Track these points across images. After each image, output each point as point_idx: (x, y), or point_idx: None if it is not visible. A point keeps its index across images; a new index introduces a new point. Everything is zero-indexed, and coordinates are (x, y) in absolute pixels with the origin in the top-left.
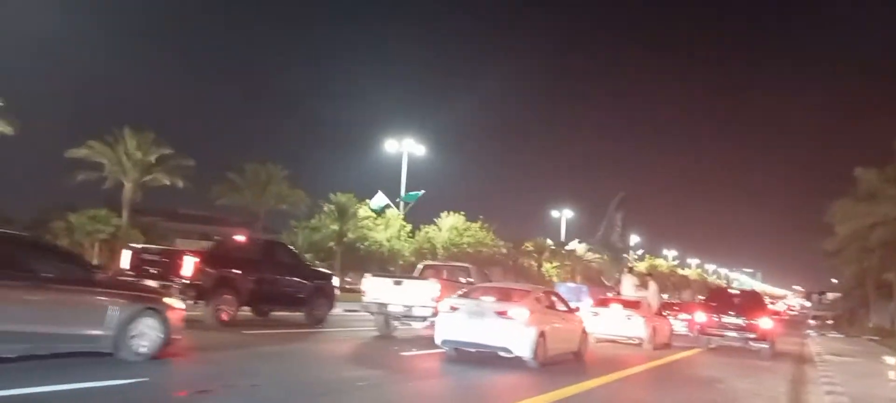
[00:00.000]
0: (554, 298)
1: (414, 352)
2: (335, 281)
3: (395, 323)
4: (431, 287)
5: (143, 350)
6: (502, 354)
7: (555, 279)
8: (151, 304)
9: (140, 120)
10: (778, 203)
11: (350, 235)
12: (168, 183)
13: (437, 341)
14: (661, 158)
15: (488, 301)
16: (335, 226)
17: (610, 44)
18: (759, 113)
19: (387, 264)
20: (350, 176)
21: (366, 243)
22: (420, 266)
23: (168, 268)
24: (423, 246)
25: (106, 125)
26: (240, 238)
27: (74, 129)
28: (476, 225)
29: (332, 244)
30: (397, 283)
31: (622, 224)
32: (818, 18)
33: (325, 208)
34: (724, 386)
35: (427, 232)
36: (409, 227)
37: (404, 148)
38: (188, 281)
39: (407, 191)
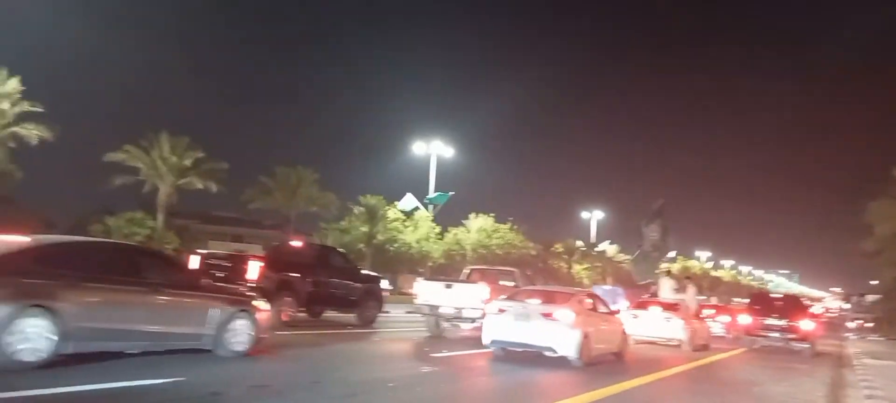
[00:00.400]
0: (595, 301)
1: (444, 353)
2: (384, 283)
3: (446, 325)
4: (480, 290)
5: (237, 347)
6: (548, 354)
7: (585, 281)
8: (244, 306)
9: (174, 125)
10: (815, 203)
11: (380, 237)
12: (202, 186)
13: (486, 341)
14: (695, 158)
15: (534, 303)
16: (365, 228)
17: (641, 44)
18: (797, 111)
19: (416, 266)
20: (379, 178)
21: (395, 245)
22: (467, 270)
23: (234, 272)
24: (452, 248)
25: (141, 130)
26: (297, 243)
27: (111, 134)
28: (505, 227)
29: (361, 246)
30: (448, 287)
31: (662, 230)
32: (860, 18)
33: (355, 210)
34: (759, 390)
35: (456, 234)
36: (438, 229)
37: (432, 149)
38: (253, 284)
39: (436, 192)
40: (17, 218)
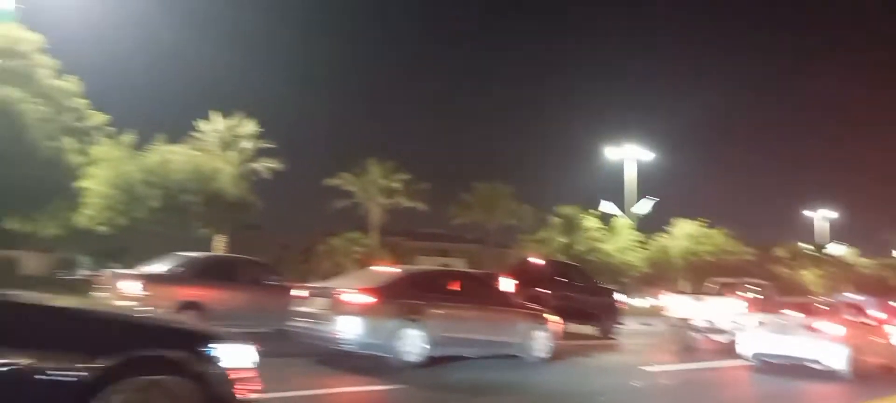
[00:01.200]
0: (859, 312)
1: (656, 368)
2: (620, 296)
3: (697, 337)
4: (736, 303)
5: (538, 354)
6: (814, 367)
7: (815, 288)
8: (540, 320)
9: (382, 149)
10: None
11: (578, 247)
12: (409, 205)
13: (746, 354)
14: None
15: (796, 316)
16: (563, 239)
17: (878, 22)
18: None
19: (618, 276)
20: (575, 187)
21: (594, 254)
22: (716, 283)
23: None
24: (656, 257)
25: (354, 157)
26: (539, 260)
27: (330, 162)
28: (716, 232)
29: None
30: (699, 300)
31: None
32: None
33: (552, 221)
34: None
35: (660, 242)
36: (640, 237)
37: (629, 154)
38: None
39: (637, 200)
40: (262, 242)
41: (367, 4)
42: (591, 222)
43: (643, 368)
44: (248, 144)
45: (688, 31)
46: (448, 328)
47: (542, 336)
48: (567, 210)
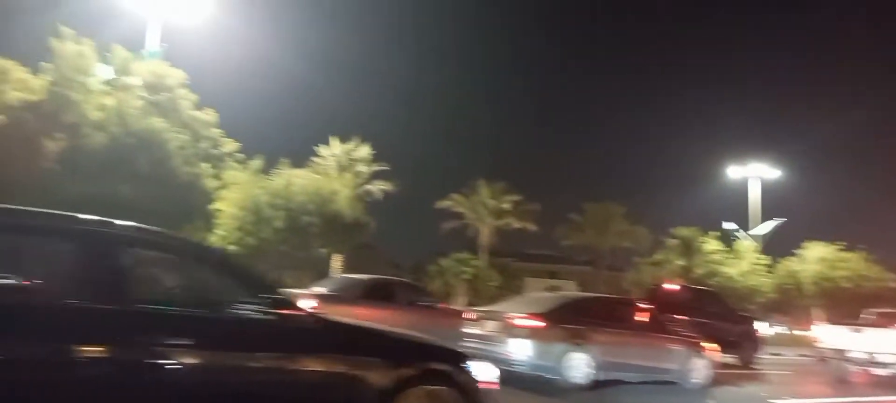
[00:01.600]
0: None
1: (815, 401)
2: (760, 325)
3: (853, 369)
4: None
5: (697, 381)
6: None
7: None
8: (697, 348)
9: (494, 169)
10: None
11: (698, 271)
12: (518, 226)
13: None
14: None
15: None
16: (681, 262)
17: None
18: None
19: (743, 302)
20: (694, 208)
21: (715, 278)
22: (872, 313)
23: None
24: (785, 282)
25: (464, 178)
26: (674, 286)
27: (441, 184)
28: (854, 256)
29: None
30: (856, 330)
31: None
32: None
33: (669, 243)
34: None
35: (789, 266)
36: (766, 260)
37: (754, 172)
38: None
39: (761, 219)
40: (373, 261)
41: (478, 28)
42: (711, 244)
43: (802, 400)
44: (363, 167)
45: (823, 40)
46: (612, 353)
47: (700, 364)
48: (685, 231)
